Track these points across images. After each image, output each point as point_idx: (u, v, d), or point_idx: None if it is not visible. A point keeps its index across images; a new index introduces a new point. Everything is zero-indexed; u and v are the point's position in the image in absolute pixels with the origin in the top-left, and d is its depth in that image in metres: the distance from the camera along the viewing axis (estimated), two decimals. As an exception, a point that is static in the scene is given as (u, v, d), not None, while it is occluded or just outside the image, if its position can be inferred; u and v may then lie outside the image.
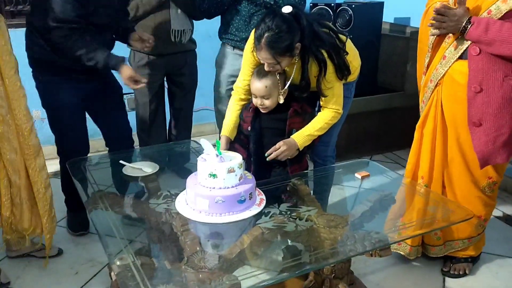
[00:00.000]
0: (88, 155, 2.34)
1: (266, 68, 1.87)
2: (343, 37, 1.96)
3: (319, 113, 2.01)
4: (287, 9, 1.80)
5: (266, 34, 1.75)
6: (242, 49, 2.17)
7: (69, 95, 2.18)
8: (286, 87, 1.94)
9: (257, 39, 1.79)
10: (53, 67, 2.14)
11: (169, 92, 2.95)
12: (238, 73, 2.12)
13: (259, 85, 1.91)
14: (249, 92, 2.04)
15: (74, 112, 2.25)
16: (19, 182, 1.96)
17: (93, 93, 2.29)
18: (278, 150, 1.92)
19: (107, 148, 2.51)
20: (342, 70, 1.93)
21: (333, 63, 1.89)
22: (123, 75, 2.09)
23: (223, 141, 2.04)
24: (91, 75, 2.22)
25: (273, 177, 2.02)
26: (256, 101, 1.96)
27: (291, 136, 1.95)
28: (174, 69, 2.77)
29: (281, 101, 1.95)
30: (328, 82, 1.92)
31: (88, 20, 2.06)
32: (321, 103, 2.01)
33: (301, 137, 1.95)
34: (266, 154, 1.93)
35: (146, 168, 1.97)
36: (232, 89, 2.18)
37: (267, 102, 1.93)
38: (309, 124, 1.98)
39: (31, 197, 2.04)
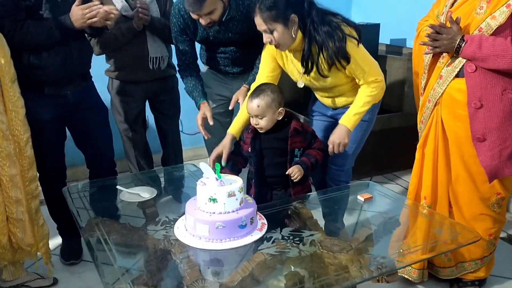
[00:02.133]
0: (83, 181, 2.31)
1: (264, 39, 1.89)
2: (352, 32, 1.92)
3: (360, 90, 1.99)
4: None
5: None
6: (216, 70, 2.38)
7: (45, 112, 2.13)
8: (281, 108, 1.92)
9: (257, 6, 1.83)
10: (27, 81, 2.08)
11: (155, 119, 2.93)
12: (224, 92, 2.27)
13: (251, 104, 1.90)
14: None
15: (52, 129, 2.20)
16: (20, 197, 1.91)
17: (75, 112, 2.24)
18: (335, 146, 1.94)
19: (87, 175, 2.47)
20: (340, 54, 1.87)
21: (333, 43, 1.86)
22: (76, 17, 1.99)
23: (227, 140, 2.04)
24: (69, 90, 2.17)
25: (275, 199, 1.98)
26: (252, 121, 1.94)
27: (339, 122, 1.95)
28: (154, 95, 2.76)
29: (279, 118, 1.92)
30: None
31: (34, 13, 1.98)
32: (358, 83, 2.00)
33: (349, 118, 1.95)
34: (328, 145, 1.96)
35: (143, 193, 1.93)
36: (220, 105, 2.34)
37: (261, 122, 1.91)
38: (353, 103, 1.97)
39: (30, 211, 1.99)
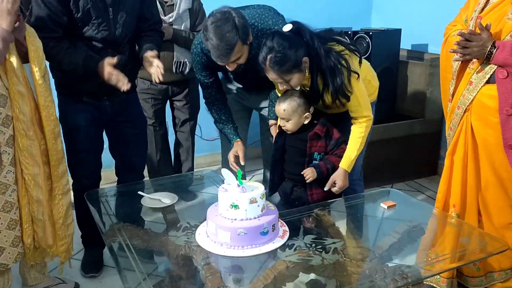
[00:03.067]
0: (104, 186, 2.31)
1: (280, 87, 1.88)
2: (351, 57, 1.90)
3: (352, 131, 1.96)
4: (287, 27, 1.80)
5: (269, 56, 1.75)
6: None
7: (82, 118, 2.13)
8: (310, 111, 1.94)
9: (262, 62, 1.79)
10: (66, 88, 2.10)
11: (173, 120, 3.04)
12: (241, 96, 2.19)
13: (278, 107, 1.94)
14: None
15: (88, 137, 2.18)
16: (42, 197, 1.93)
17: (113, 122, 2.23)
18: (334, 187, 1.94)
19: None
20: (340, 92, 1.85)
21: (332, 84, 1.84)
22: (103, 72, 1.97)
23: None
24: (108, 100, 2.16)
25: (294, 195, 2.03)
26: (279, 122, 1.99)
27: (339, 165, 1.93)
28: (175, 95, 2.88)
29: (305, 122, 1.95)
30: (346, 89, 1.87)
31: (71, 31, 1.97)
32: (351, 115, 1.97)
33: (348, 163, 1.93)
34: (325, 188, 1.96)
35: (165, 199, 1.93)
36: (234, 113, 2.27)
37: (287, 124, 1.95)
38: (348, 145, 1.95)
39: (52, 212, 2.01)
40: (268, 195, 2.10)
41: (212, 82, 2.21)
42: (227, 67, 1.96)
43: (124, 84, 1.96)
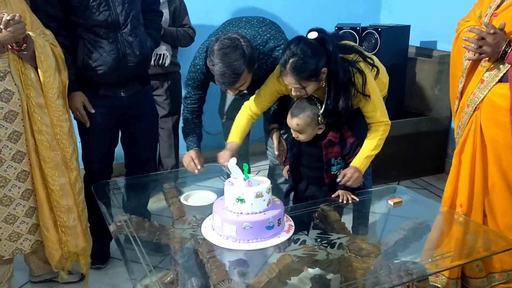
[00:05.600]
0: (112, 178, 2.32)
1: (293, 92, 1.84)
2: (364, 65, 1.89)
3: (369, 131, 1.94)
4: (312, 35, 1.78)
5: (291, 60, 1.73)
6: None
7: (98, 114, 2.12)
8: (323, 122, 1.89)
9: (283, 65, 1.77)
10: (83, 82, 2.09)
11: None
12: (241, 95, 2.12)
13: (291, 121, 1.90)
14: (259, 116, 2.08)
15: (103, 132, 2.19)
16: (71, 204, 1.94)
17: (126, 116, 2.22)
18: (345, 179, 1.88)
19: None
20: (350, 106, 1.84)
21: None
22: (72, 102, 2.04)
23: (232, 147, 1.99)
24: (123, 92, 2.15)
25: (309, 192, 2.01)
26: (293, 132, 1.95)
27: (351, 163, 1.90)
28: (154, 89, 2.82)
29: (319, 132, 1.92)
30: (364, 96, 1.87)
31: (74, 20, 1.98)
32: (367, 120, 1.95)
33: (360, 161, 1.89)
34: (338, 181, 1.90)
35: (207, 196, 1.92)
36: (235, 108, 2.19)
37: (301, 136, 1.92)
38: (364, 144, 1.92)
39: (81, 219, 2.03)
40: (284, 197, 2.09)
41: (198, 99, 2.18)
42: (228, 91, 1.95)
43: (86, 122, 2.09)
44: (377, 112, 1.90)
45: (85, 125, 2.12)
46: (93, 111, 2.09)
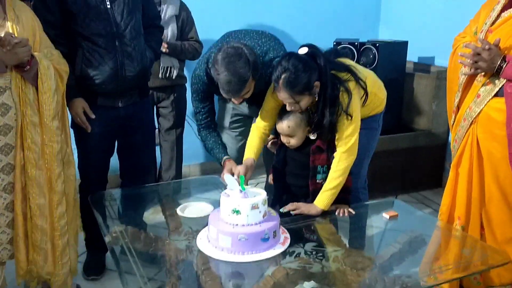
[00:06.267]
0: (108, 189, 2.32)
1: (287, 108, 1.86)
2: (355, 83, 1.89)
3: (332, 164, 1.90)
4: (303, 50, 1.81)
5: (283, 75, 1.75)
6: None
7: (96, 125, 2.13)
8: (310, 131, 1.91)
9: (275, 81, 1.78)
10: (82, 91, 2.09)
11: (158, 127, 2.99)
12: (240, 108, 2.14)
13: (282, 125, 1.91)
14: (270, 131, 2.05)
15: (100, 143, 2.19)
16: (46, 227, 1.93)
17: (123, 127, 2.23)
18: (294, 208, 1.87)
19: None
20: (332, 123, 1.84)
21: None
22: (72, 108, 2.05)
23: (250, 162, 1.99)
24: (121, 102, 2.16)
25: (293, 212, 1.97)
26: (282, 139, 1.96)
27: (314, 202, 1.87)
28: (160, 101, 2.86)
29: (313, 137, 1.92)
30: (347, 116, 1.85)
31: (73, 29, 2.00)
32: (337, 144, 1.91)
33: (323, 199, 1.85)
34: (281, 210, 1.87)
35: (203, 208, 1.92)
36: (235, 121, 2.23)
37: (292, 141, 1.92)
38: (328, 178, 1.89)
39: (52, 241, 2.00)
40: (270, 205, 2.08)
41: (208, 111, 2.19)
42: (232, 100, 1.95)
43: (87, 128, 2.10)
44: (352, 138, 1.87)
45: (86, 131, 2.12)
46: (93, 116, 2.09)
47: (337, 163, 1.87)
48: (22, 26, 1.78)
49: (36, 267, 1.94)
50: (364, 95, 1.92)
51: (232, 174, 1.92)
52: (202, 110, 2.17)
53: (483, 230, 1.97)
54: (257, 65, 1.89)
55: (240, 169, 1.95)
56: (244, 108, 2.40)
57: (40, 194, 1.87)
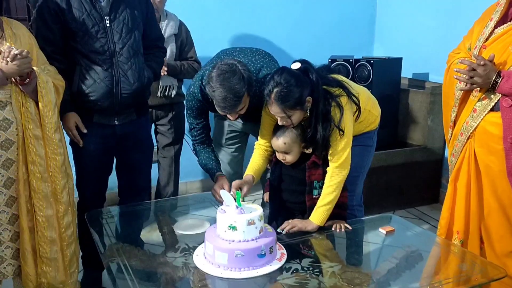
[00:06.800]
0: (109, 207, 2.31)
1: (279, 122, 1.86)
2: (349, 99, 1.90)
3: (325, 179, 1.91)
4: (295, 66, 1.83)
5: (275, 89, 1.76)
6: None
7: (92, 142, 2.14)
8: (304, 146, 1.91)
9: (268, 95, 1.80)
10: (78, 108, 2.10)
11: (157, 144, 2.99)
12: (235, 124, 2.16)
13: (277, 142, 1.92)
14: (271, 148, 2.05)
15: (96, 160, 2.19)
16: (55, 237, 1.93)
17: (120, 145, 2.23)
18: (291, 227, 1.86)
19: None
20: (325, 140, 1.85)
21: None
22: (65, 122, 2.08)
23: (249, 178, 2.00)
24: (117, 120, 2.16)
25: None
26: (278, 156, 1.96)
27: (309, 218, 1.88)
28: (159, 119, 2.87)
29: (307, 151, 1.93)
30: (339, 131, 1.86)
31: (72, 46, 2.02)
32: (330, 159, 1.93)
33: (319, 215, 1.86)
34: (279, 230, 1.86)
35: (199, 225, 1.92)
36: (231, 138, 2.24)
37: (288, 157, 1.93)
38: (321, 194, 1.90)
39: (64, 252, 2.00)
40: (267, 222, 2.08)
41: (202, 127, 2.21)
42: (228, 116, 1.96)
43: (79, 142, 2.11)
44: (345, 153, 1.88)
45: (78, 145, 2.13)
46: (85, 131, 2.10)
47: (330, 178, 1.88)
48: (20, 43, 1.81)
49: (46, 279, 1.95)
50: (357, 111, 1.94)
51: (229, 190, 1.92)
52: (197, 126, 2.19)
53: (482, 244, 1.98)
54: (252, 81, 1.90)
55: (234, 184, 1.95)
56: (240, 125, 2.41)
57: (47, 205, 1.89)
